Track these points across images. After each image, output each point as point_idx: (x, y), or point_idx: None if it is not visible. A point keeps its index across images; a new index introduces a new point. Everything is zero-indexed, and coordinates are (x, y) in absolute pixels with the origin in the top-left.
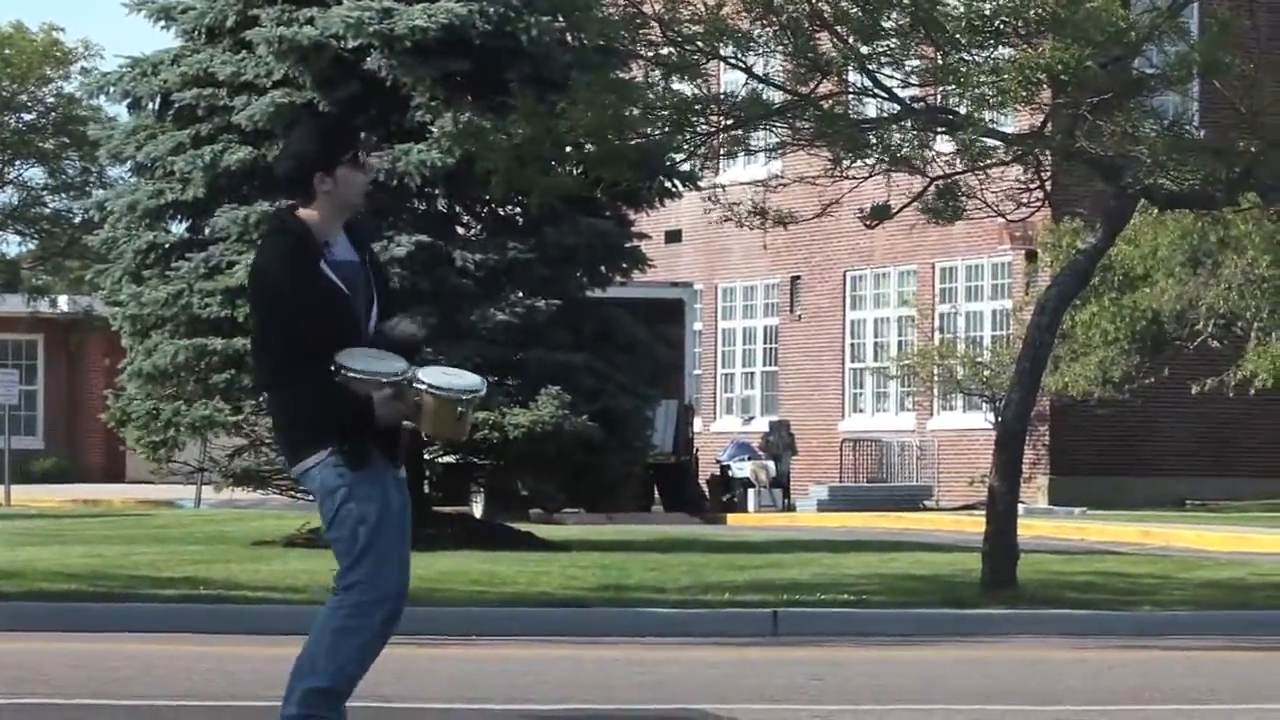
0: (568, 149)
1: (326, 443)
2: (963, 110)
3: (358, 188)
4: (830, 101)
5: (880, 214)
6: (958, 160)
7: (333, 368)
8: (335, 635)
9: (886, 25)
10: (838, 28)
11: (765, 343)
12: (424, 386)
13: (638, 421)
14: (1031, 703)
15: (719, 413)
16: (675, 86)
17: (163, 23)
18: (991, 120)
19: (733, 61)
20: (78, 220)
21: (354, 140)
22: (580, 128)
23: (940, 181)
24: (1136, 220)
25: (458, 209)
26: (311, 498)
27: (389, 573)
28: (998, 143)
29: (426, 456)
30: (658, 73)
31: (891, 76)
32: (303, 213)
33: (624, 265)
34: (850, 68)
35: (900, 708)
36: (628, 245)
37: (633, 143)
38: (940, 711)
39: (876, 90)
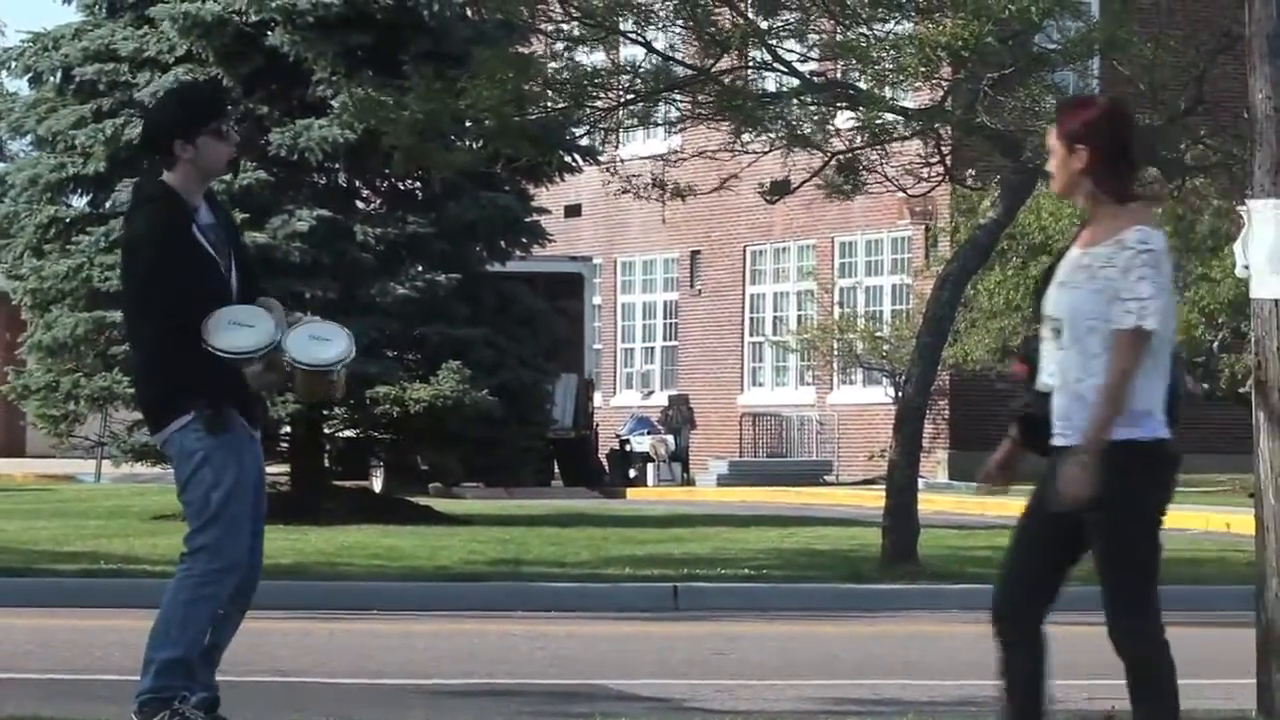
0: (468, 124)
1: (188, 408)
2: (863, 85)
3: (219, 157)
4: (731, 76)
5: (780, 189)
6: (858, 136)
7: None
8: (187, 606)
9: (787, 1)
10: (739, 3)
11: (665, 317)
12: (290, 362)
13: (537, 396)
14: (934, 677)
15: (619, 387)
16: (577, 58)
17: None
18: (892, 96)
19: (633, 36)
20: None
21: (217, 110)
22: (480, 104)
23: (840, 157)
24: (1039, 190)
25: (358, 184)
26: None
27: (237, 541)
28: (898, 118)
29: (327, 430)
30: (559, 45)
31: (791, 51)
32: (167, 178)
33: (523, 240)
34: (751, 43)
35: (802, 682)
36: (527, 220)
37: (532, 117)
38: (842, 686)
39: (776, 65)
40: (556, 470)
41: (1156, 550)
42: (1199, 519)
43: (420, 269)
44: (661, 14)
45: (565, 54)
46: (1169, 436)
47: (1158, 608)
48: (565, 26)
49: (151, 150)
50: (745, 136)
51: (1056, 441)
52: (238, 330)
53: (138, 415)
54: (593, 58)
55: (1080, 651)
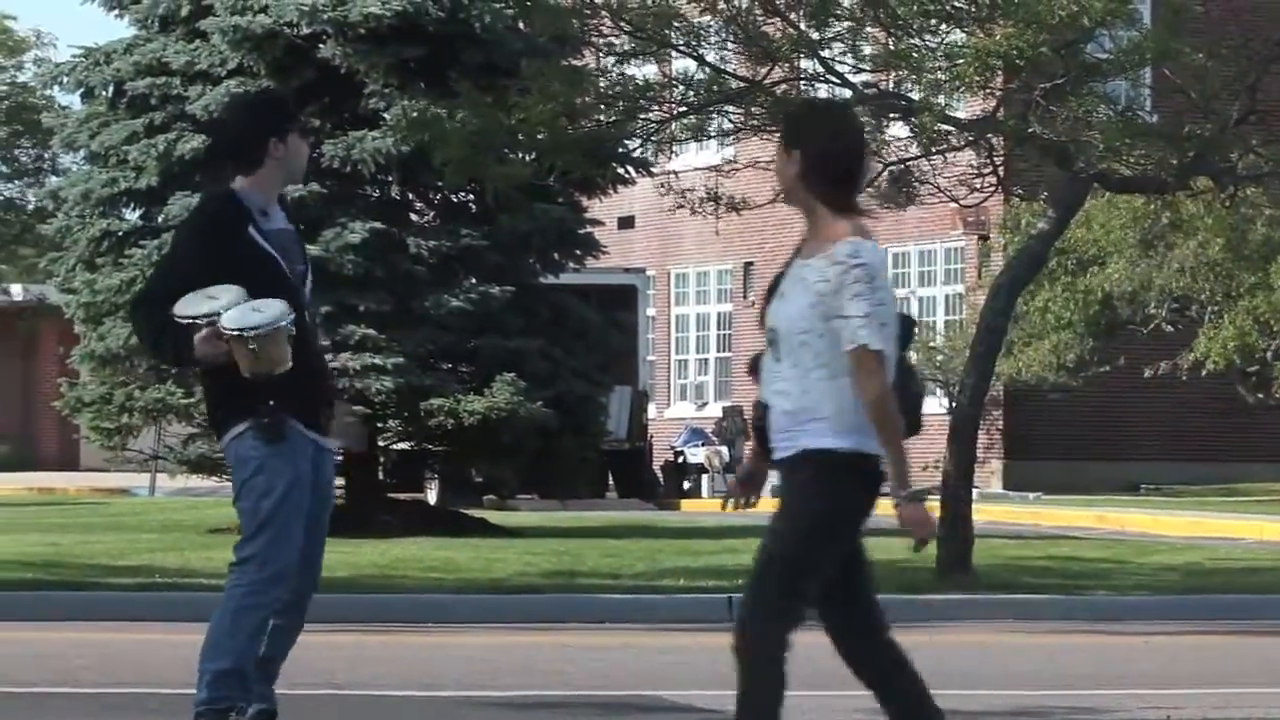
0: (520, 137)
1: (246, 416)
2: (916, 95)
3: (304, 154)
4: (783, 87)
5: None
6: (911, 145)
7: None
8: (235, 615)
9: (838, 10)
10: (790, 14)
11: (718, 329)
12: (226, 330)
13: (592, 407)
14: (987, 687)
15: (673, 399)
16: (629, 72)
17: (116, 11)
18: (944, 105)
19: (683, 49)
20: (31, 208)
21: (297, 109)
22: (533, 119)
23: (894, 167)
24: (1089, 203)
25: (411, 196)
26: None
27: (285, 550)
28: (951, 128)
29: (381, 443)
30: (611, 59)
31: (843, 62)
32: (240, 185)
33: (577, 251)
34: (801, 54)
35: (856, 693)
36: (581, 231)
37: (585, 130)
38: None
39: (829, 76)
40: (611, 482)
41: (820, 563)
42: (1253, 528)
43: (474, 281)
44: (712, 28)
45: (616, 67)
46: (870, 451)
47: (798, 622)
48: (615, 40)
49: (242, 155)
50: None
51: (776, 455)
52: (195, 299)
53: (192, 429)
54: (644, 70)
55: (1132, 660)
